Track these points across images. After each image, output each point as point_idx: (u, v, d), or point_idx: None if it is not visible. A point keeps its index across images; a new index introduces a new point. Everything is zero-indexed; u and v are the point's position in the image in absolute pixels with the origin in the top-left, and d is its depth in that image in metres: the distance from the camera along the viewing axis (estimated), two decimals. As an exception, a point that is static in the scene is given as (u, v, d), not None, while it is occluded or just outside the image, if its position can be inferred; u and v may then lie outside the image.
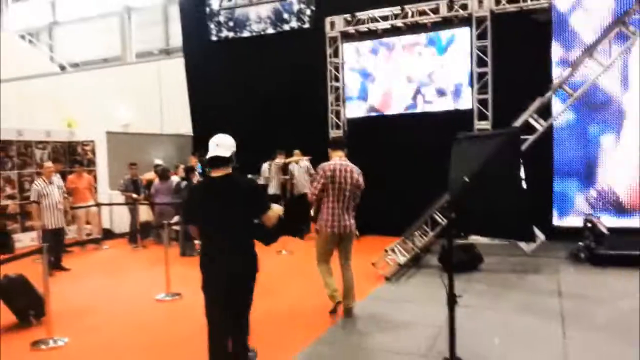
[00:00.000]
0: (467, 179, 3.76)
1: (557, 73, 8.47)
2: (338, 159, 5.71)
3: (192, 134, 13.75)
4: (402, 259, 7.31)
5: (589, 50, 7.60)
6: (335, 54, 10.59)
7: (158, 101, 15.94)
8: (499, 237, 7.69)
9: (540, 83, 8.59)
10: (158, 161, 10.97)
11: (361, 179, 5.82)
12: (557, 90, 7.81)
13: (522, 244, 7.72)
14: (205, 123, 13.16)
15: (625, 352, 4.34)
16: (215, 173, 3.66)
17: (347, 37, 10.48)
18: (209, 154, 3.67)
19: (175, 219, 9.24)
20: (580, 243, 7.66)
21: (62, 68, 19.99)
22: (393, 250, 7.41)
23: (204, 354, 3.71)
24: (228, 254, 3.56)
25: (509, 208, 3.59)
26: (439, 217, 7.75)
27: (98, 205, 10.76)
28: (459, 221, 3.81)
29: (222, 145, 3.69)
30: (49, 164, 8.36)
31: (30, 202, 8.22)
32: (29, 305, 5.52)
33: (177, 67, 14.29)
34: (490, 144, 3.89)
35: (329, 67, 10.62)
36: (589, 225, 7.81)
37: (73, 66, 20.11)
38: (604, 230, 7.62)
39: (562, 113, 8.16)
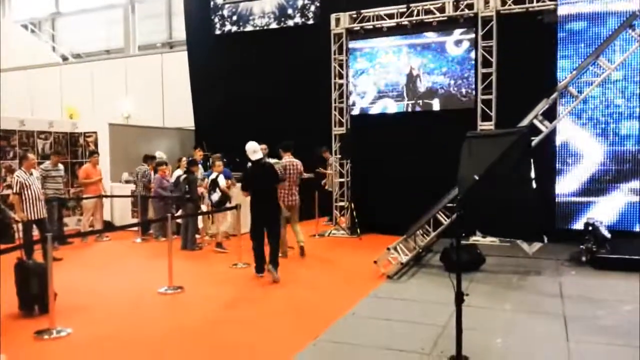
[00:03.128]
0: (477, 177, 3.76)
1: (562, 75, 8.48)
2: (288, 158, 8.35)
3: (193, 128, 13.74)
4: (404, 258, 7.30)
5: (595, 53, 7.60)
6: (340, 50, 10.57)
7: (160, 94, 15.93)
8: (506, 237, 7.74)
9: (544, 85, 8.61)
10: (160, 154, 10.93)
11: (302, 168, 8.45)
12: (563, 92, 7.79)
13: (524, 246, 7.72)
14: (207, 117, 13.18)
15: (628, 355, 4.35)
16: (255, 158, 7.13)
17: (352, 34, 10.46)
18: (254, 158, 7.12)
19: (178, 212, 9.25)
20: (582, 246, 7.66)
21: (65, 59, 19.92)
22: (395, 249, 7.40)
23: (206, 346, 3.72)
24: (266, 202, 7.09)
25: (518, 208, 3.60)
26: (441, 217, 7.75)
27: (107, 197, 10.73)
28: (468, 219, 3.81)
29: (257, 150, 7.15)
30: (32, 155, 8.16)
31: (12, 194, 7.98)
32: (37, 296, 5.49)
33: (180, 60, 14.28)
34: (500, 143, 3.89)
35: (333, 63, 10.59)
36: (591, 228, 7.82)
37: (75, 57, 20.05)
38: (606, 234, 7.64)
39: (566, 115, 8.14)
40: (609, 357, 4.41)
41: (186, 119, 13.96)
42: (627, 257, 7.20)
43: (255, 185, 7.15)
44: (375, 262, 7.22)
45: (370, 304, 5.96)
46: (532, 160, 3.41)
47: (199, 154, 10.84)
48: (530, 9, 8.95)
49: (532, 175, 3.43)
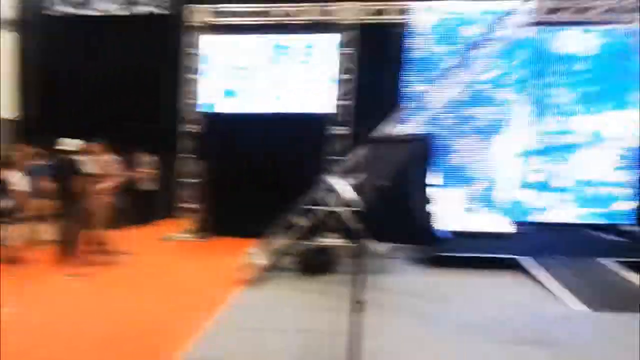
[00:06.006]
0: (379, 183, 3.72)
1: (414, 84, 9.06)
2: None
3: (17, 117, 12.03)
4: (262, 262, 7.11)
5: (447, 69, 8.15)
6: (194, 44, 10.03)
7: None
8: (403, 242, 7.96)
9: (398, 93, 9.14)
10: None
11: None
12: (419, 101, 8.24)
13: (376, 246, 7.99)
14: (37, 107, 11.67)
15: (488, 350, 4.66)
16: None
17: (208, 29, 9.98)
18: None
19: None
20: (424, 245, 8.12)
21: None
22: (254, 253, 7.18)
23: None
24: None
25: (414, 213, 3.65)
26: (298, 219, 7.74)
27: None
28: (368, 225, 3.76)
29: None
30: None
31: None
32: None
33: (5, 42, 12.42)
34: (402, 149, 3.90)
35: (185, 58, 10.02)
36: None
37: None
38: (449, 234, 8.23)
39: (420, 124, 8.56)
40: (473, 354, 4.67)
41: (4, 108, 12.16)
42: (467, 255, 7.81)
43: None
44: (234, 267, 6.91)
45: (232, 313, 5.64)
46: (428, 167, 3.46)
47: (27, 153, 9.39)
48: (388, 22, 9.40)
49: (428, 181, 3.48)
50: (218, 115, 10.05)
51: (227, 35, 9.96)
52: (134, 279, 6.94)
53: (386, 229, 3.79)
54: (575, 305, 6.00)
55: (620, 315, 5.71)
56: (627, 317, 5.62)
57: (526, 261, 7.55)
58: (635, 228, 9.40)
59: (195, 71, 10.04)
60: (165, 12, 11.02)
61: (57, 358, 4.35)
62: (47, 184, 7.70)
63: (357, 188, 7.93)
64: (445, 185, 8.58)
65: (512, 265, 7.58)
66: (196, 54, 10.01)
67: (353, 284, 3.49)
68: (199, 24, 9.89)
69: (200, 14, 9.87)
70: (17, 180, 7.62)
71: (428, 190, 3.28)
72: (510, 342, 4.89)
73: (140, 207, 10.04)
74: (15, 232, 7.58)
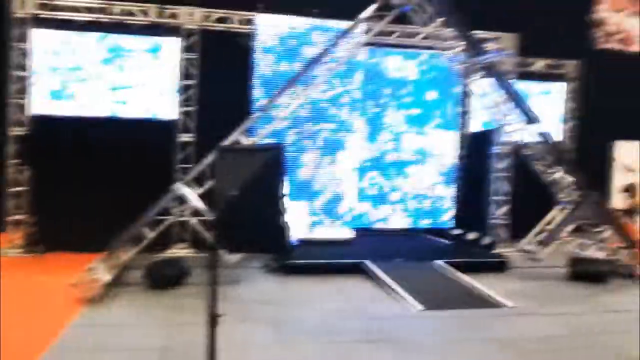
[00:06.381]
0: (232, 194, 3.71)
1: (258, 95, 9.21)
2: None
3: None
4: (106, 278, 6.67)
5: (292, 81, 8.38)
6: (23, 38, 9.01)
7: None
8: (258, 252, 7.85)
9: (242, 103, 9.19)
10: None
11: None
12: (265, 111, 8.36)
13: (226, 256, 7.94)
14: None
15: (334, 350, 4.93)
16: None
17: (40, 22, 9.02)
18: None
19: None
20: (276, 254, 8.30)
21: None
22: (95, 268, 6.69)
23: None
24: None
25: (269, 223, 3.70)
26: (145, 230, 7.42)
27: None
28: (223, 237, 3.72)
29: None
30: None
31: None
32: None
33: None
34: (255, 159, 3.93)
35: (12, 52, 8.97)
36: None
37: None
38: (297, 243, 8.48)
39: (266, 135, 8.67)
40: (319, 354, 4.91)
41: None
42: (312, 262, 8.15)
43: None
44: (73, 285, 6.37)
45: (75, 334, 5.23)
46: (283, 176, 3.55)
47: None
48: (231, 30, 9.41)
49: (284, 191, 3.59)
50: (51, 118, 9.14)
51: (60, 31, 9.11)
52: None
53: (238, 239, 3.82)
54: (412, 304, 6.59)
55: (450, 312, 6.42)
56: (456, 313, 6.36)
57: (369, 265, 8.09)
58: (460, 232, 10.69)
59: (24, 68, 9.04)
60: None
61: None
62: None
63: (206, 197, 7.92)
64: (291, 197, 8.80)
65: (357, 270, 8.09)
66: (25, 50, 9.02)
67: (206, 296, 3.47)
68: (28, 16, 8.92)
69: (30, 5, 8.89)
70: None
71: (282, 200, 3.41)
72: (352, 341, 5.27)
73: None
74: None
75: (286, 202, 3.56)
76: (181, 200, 7.91)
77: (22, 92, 9.10)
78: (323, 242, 9.59)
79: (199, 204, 7.81)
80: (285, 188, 3.71)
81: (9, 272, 7.75)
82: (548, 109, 11.39)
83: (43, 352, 4.67)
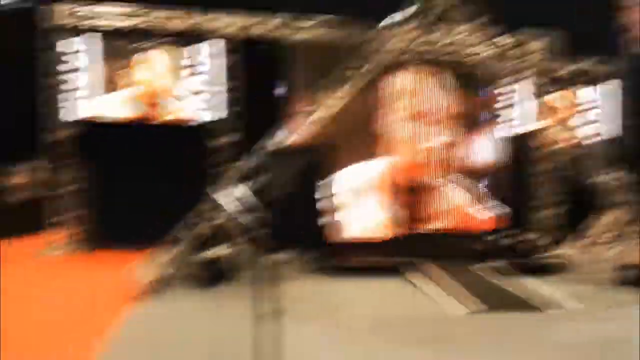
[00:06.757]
0: (278, 193, 3.77)
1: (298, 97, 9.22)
2: None
3: None
4: (152, 276, 6.82)
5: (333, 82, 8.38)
6: (55, 45, 9.18)
7: None
8: (305, 251, 7.95)
9: (281, 104, 9.22)
10: None
11: None
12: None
13: (273, 255, 7.98)
14: None
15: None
16: None
17: (73, 30, 9.19)
18: None
19: None
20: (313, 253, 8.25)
21: None
22: (142, 267, 6.87)
23: None
24: None
25: (316, 222, 3.76)
26: (188, 230, 7.58)
27: None
28: (269, 236, 3.80)
29: None
30: None
31: None
32: None
33: None
34: (300, 158, 4.01)
35: (45, 59, 9.20)
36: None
37: None
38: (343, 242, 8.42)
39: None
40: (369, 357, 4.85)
41: None
42: (360, 261, 8.06)
43: None
44: (123, 281, 6.54)
45: (131, 330, 5.39)
46: (330, 175, 3.60)
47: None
48: (271, 33, 9.48)
49: (330, 190, 3.63)
50: (98, 120, 9.44)
51: (103, 38, 9.35)
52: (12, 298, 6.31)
53: (285, 237, 3.88)
54: (467, 306, 6.43)
55: (507, 314, 6.30)
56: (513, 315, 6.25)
57: (419, 265, 7.99)
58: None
59: (63, 75, 9.30)
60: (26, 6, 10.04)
61: None
62: None
63: (249, 197, 8.00)
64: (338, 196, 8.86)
65: (406, 270, 7.94)
66: (71, 56, 9.30)
67: (252, 294, 3.50)
68: (63, 23, 9.14)
69: (64, 13, 9.09)
70: None
71: (329, 199, 3.44)
72: (403, 343, 5.18)
73: (10, 220, 9.15)
74: None
75: (334, 200, 3.58)
76: (223, 200, 8.00)
77: (57, 98, 9.35)
78: (371, 241, 9.44)
79: (241, 204, 7.88)
80: (333, 187, 3.75)
81: (61, 268, 8.07)
82: (602, 107, 11.01)
83: (97, 348, 4.80)
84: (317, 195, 6.33)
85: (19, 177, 10.36)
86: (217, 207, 8.07)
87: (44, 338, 5.12)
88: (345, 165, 8.61)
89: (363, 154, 8.83)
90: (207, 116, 9.58)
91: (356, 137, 8.82)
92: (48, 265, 8.35)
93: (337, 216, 8.10)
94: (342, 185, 8.45)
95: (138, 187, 9.02)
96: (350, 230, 9.26)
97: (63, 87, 9.27)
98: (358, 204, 9.03)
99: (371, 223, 9.55)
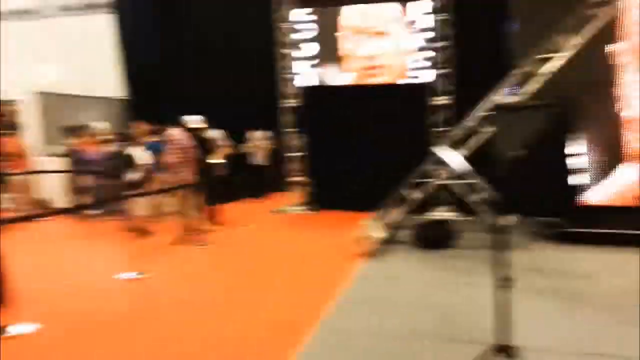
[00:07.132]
0: (514, 153, 3.56)
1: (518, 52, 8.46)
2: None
3: (123, 97, 12.53)
4: (380, 235, 7.07)
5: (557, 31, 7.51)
6: (287, 17, 9.83)
7: (82, 60, 14.47)
8: (540, 215, 7.59)
9: (499, 61, 8.55)
10: (98, 125, 9.92)
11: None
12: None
13: (503, 219, 7.62)
14: (140, 86, 12.13)
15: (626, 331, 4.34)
16: None
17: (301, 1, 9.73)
18: None
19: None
20: (547, 219, 7.60)
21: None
22: (370, 226, 7.15)
23: (176, 333, 4.12)
24: None
25: (554, 184, 3.45)
26: (410, 192, 7.62)
27: (41, 172, 9.63)
28: (503, 198, 3.61)
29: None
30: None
31: None
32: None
33: (102, 23, 12.96)
34: (537, 116, 3.69)
35: (278, 31, 9.96)
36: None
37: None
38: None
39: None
40: (611, 332, 4.38)
41: (112, 88, 12.70)
42: (595, 231, 7.18)
43: None
44: (353, 239, 6.91)
45: (358, 286, 5.64)
46: (571, 134, 3.23)
47: (142, 127, 9.83)
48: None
49: (571, 150, 3.26)
50: (318, 88, 9.95)
51: (318, 8, 9.70)
52: (253, 249, 7.18)
53: (520, 200, 3.61)
54: None
55: None
56: None
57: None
58: None
59: (290, 46, 9.95)
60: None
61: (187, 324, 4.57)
62: (171, 158, 7.75)
63: (470, 159, 7.69)
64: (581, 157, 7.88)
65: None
66: (289, 28, 9.90)
67: (493, 260, 3.33)
68: None
69: None
70: (141, 155, 8.02)
71: (569, 159, 3.07)
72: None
73: (252, 182, 10.33)
74: (142, 204, 8.03)
75: (575, 161, 3.22)
76: (443, 162, 7.86)
77: (289, 66, 10.00)
78: (614, 207, 8.37)
79: (462, 166, 7.66)
80: (575, 146, 3.36)
81: (293, 226, 8.87)
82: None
83: (329, 302, 5.10)
84: (561, 156, 5.72)
85: (260, 142, 11.51)
86: (437, 169, 7.99)
87: (290, 279, 5.80)
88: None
89: (601, 112, 7.79)
90: (427, 76, 9.41)
91: (594, 93, 7.77)
92: (284, 221, 9.33)
93: (583, 179, 7.28)
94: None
95: (361, 149, 9.43)
96: (597, 196, 8.25)
97: (296, 55, 9.90)
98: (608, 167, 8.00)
99: (622, 189, 8.48)
